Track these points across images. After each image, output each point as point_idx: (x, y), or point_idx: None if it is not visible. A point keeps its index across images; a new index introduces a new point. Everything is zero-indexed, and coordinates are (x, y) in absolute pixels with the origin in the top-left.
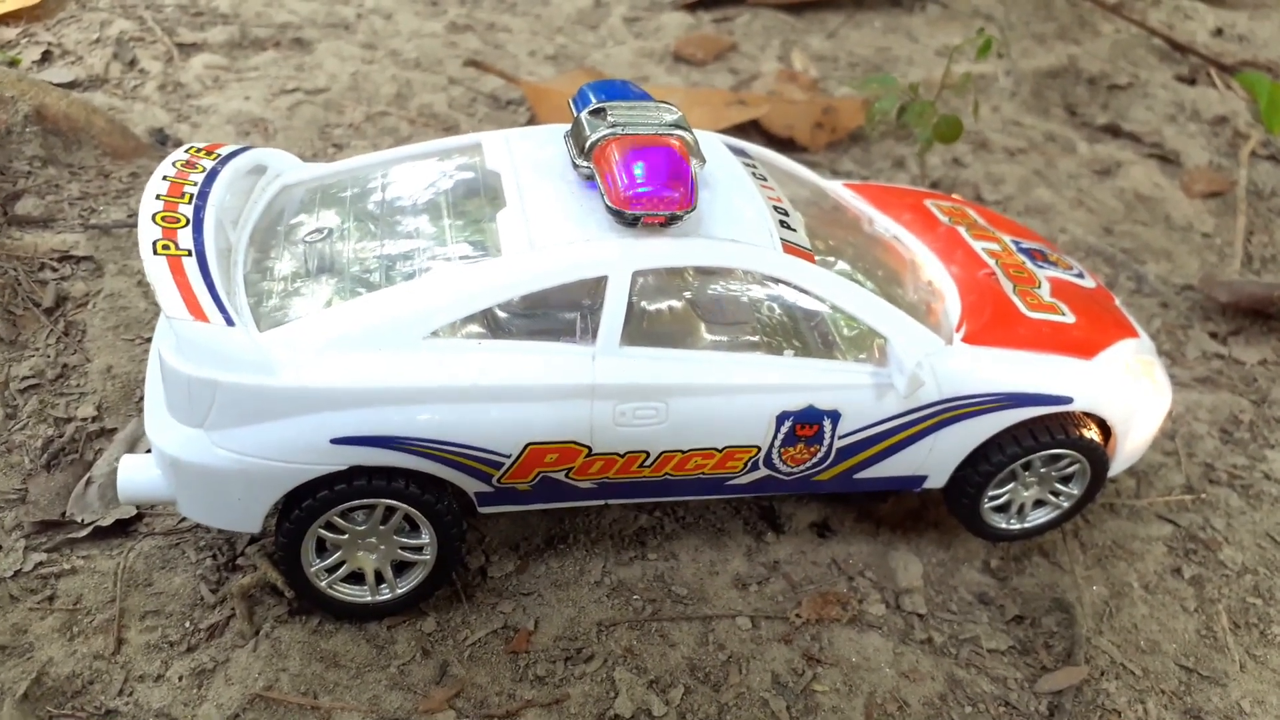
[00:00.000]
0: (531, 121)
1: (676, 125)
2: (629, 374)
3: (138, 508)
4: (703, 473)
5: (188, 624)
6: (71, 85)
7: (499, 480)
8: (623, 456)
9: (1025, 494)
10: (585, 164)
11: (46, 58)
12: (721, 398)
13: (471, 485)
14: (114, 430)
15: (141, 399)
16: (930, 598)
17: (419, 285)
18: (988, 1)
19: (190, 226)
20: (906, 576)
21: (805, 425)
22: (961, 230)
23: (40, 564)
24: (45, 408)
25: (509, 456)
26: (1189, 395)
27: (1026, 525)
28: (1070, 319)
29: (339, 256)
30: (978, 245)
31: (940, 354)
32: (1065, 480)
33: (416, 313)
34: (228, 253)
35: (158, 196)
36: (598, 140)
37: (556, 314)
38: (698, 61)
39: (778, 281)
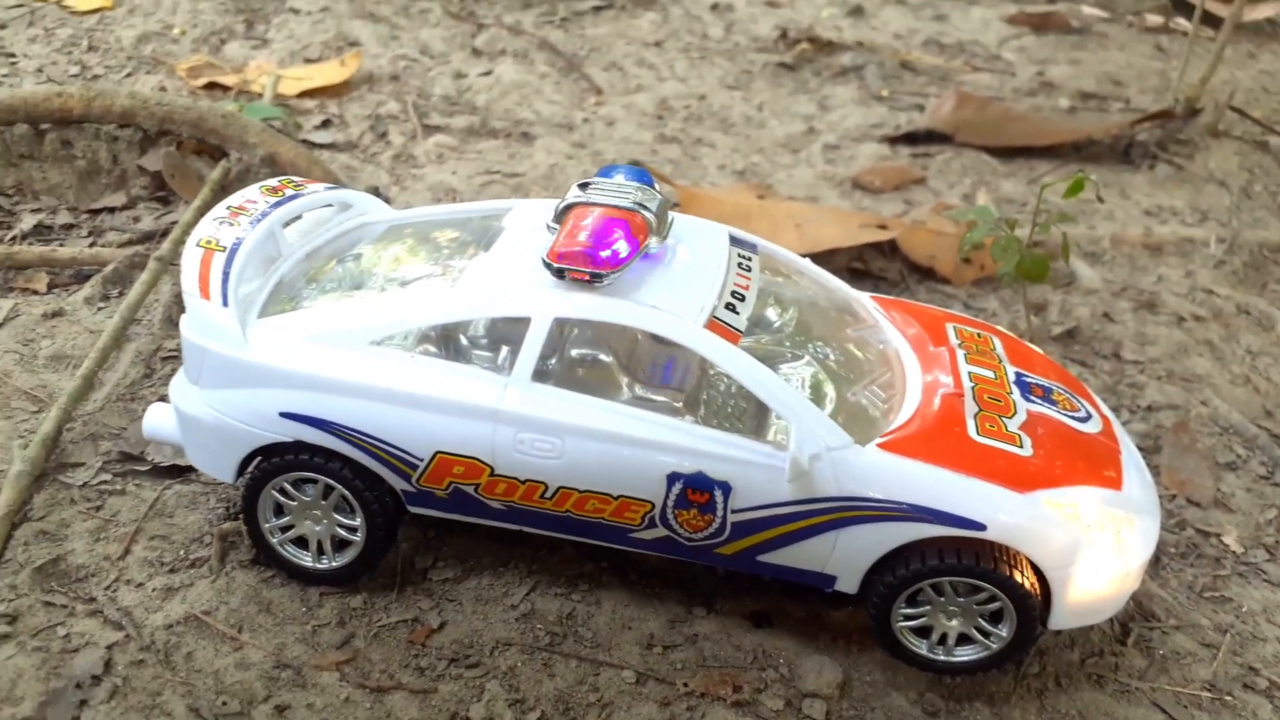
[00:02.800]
0: None
1: (643, 205)
2: (532, 406)
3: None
4: (603, 518)
5: (182, 552)
6: (329, 145)
7: (417, 481)
8: (523, 483)
9: (948, 623)
10: (555, 225)
11: (325, 124)
12: (614, 446)
13: (397, 482)
14: None
15: None
16: (837, 709)
17: (374, 300)
18: (1230, 167)
19: (239, 231)
20: (818, 681)
21: (696, 491)
22: (960, 353)
23: (104, 482)
24: (173, 375)
25: (421, 460)
26: (1273, 595)
27: (953, 660)
28: (1026, 452)
29: (360, 276)
30: (967, 368)
31: (846, 450)
32: (994, 619)
33: (367, 322)
34: (275, 260)
35: (227, 207)
36: (567, 205)
37: (495, 344)
38: (874, 190)
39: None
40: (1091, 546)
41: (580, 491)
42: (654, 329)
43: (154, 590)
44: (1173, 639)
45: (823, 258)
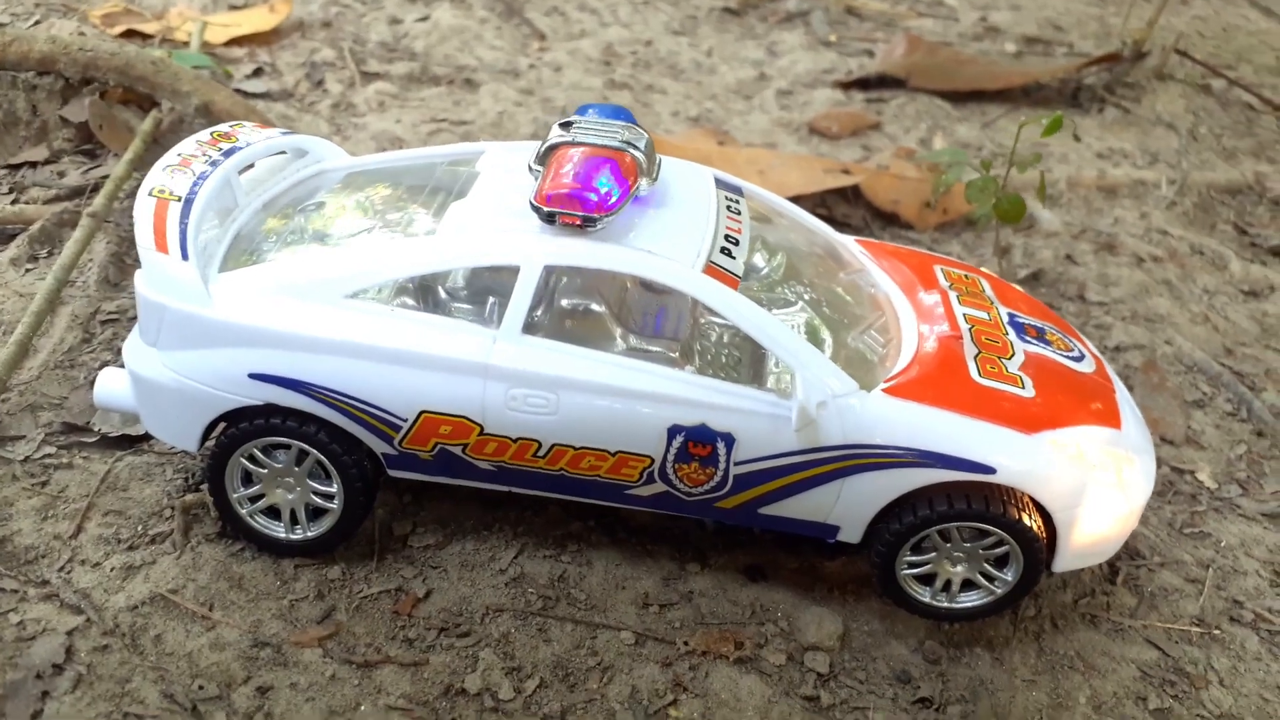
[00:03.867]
0: None
1: (631, 144)
2: (524, 360)
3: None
4: (599, 475)
5: (139, 528)
6: (263, 95)
7: (400, 444)
8: (514, 442)
9: (953, 569)
10: (538, 167)
11: (257, 73)
12: (612, 400)
13: (377, 445)
14: None
15: None
16: (839, 661)
17: (348, 251)
18: (1177, 110)
19: (193, 179)
20: (819, 633)
21: (698, 444)
22: (953, 295)
23: (47, 455)
24: (115, 339)
25: (405, 420)
26: (1249, 529)
27: (955, 605)
28: (1028, 393)
29: (325, 226)
30: (961, 310)
31: (852, 397)
32: (999, 564)
33: (341, 274)
34: (232, 210)
35: (178, 154)
36: (551, 146)
37: (477, 295)
38: (831, 135)
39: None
40: (1096, 487)
41: (576, 448)
42: (652, 275)
43: (113, 570)
44: (1159, 576)
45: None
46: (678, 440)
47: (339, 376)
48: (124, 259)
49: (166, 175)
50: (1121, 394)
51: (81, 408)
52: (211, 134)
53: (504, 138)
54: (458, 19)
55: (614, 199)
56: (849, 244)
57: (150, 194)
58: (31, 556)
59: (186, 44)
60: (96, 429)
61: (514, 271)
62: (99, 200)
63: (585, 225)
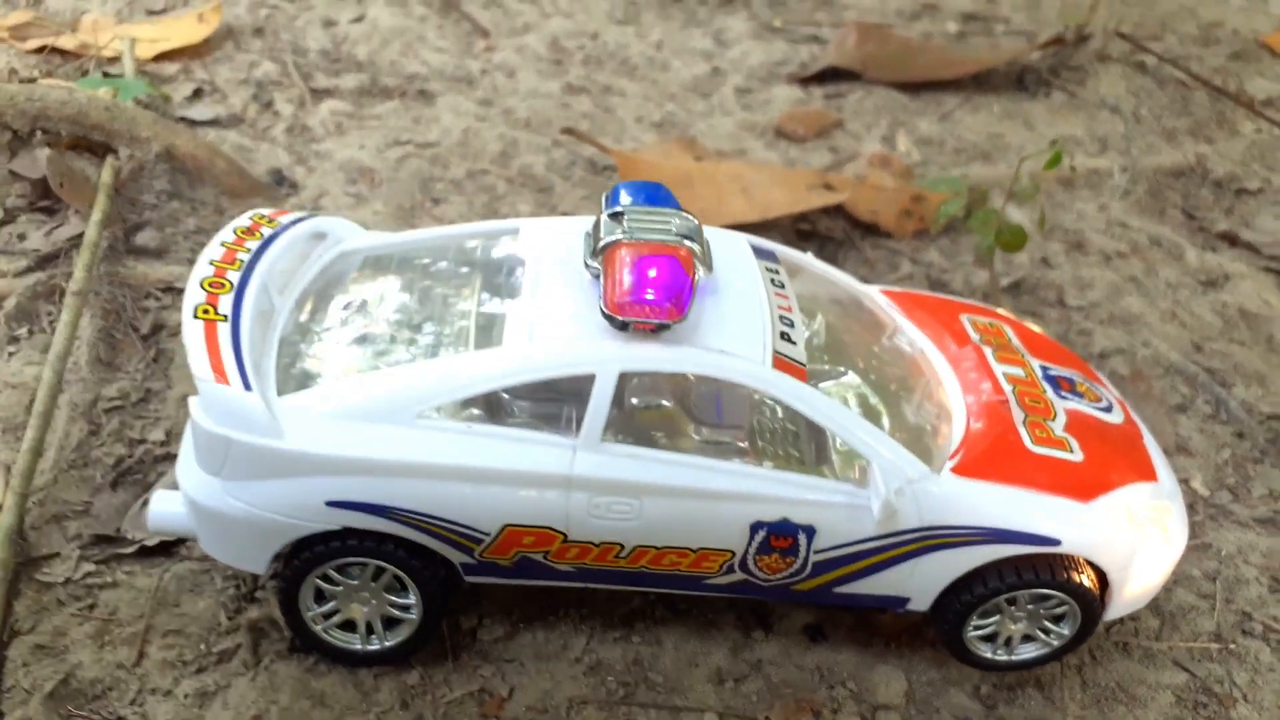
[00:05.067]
0: None
1: (687, 235)
2: (606, 469)
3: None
4: (679, 569)
5: (202, 646)
6: (212, 122)
7: (480, 555)
8: (597, 546)
9: (1013, 628)
10: (595, 264)
11: (197, 94)
12: (695, 501)
13: (455, 556)
14: (176, 456)
15: None
16: (907, 714)
17: (416, 368)
18: (1119, 91)
19: (233, 293)
20: (887, 693)
21: (780, 537)
22: (988, 351)
23: (89, 574)
24: (124, 429)
25: (488, 535)
26: (1244, 536)
27: (1014, 658)
28: (1078, 457)
29: (369, 330)
30: (1000, 369)
31: (925, 481)
32: (1055, 619)
33: (411, 393)
34: (270, 315)
35: (210, 262)
36: (608, 243)
37: (550, 402)
38: (799, 138)
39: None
40: (1146, 544)
41: (658, 548)
42: (728, 376)
43: (187, 697)
44: (1175, 594)
45: (771, 221)
46: (760, 535)
47: (420, 498)
48: (112, 334)
49: (206, 290)
50: (1148, 439)
51: (108, 514)
52: (235, 231)
53: (472, 158)
54: (395, 18)
55: (683, 300)
56: (875, 296)
57: (195, 316)
58: (98, 691)
59: (114, 60)
60: (130, 537)
61: (588, 378)
62: (78, 274)
63: (658, 330)
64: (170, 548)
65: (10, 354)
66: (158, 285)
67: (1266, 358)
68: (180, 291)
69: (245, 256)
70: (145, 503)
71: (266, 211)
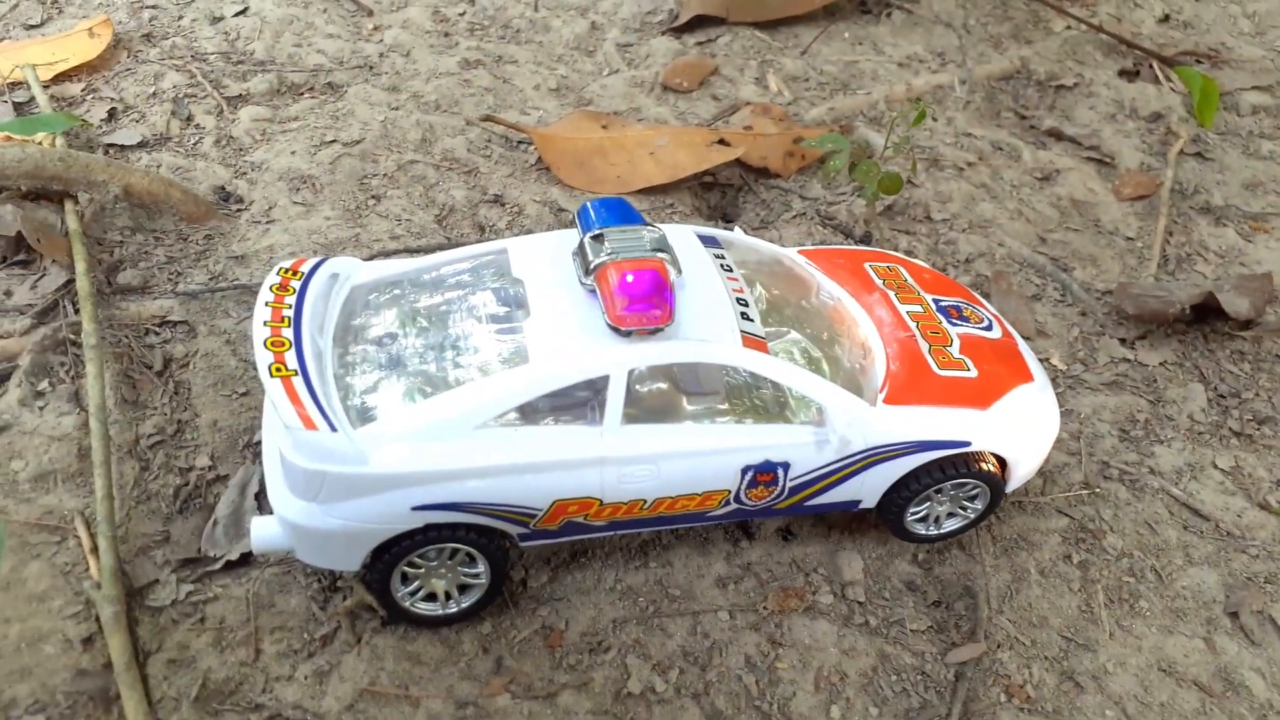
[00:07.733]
0: (540, 162)
1: (659, 247)
2: (629, 446)
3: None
4: (688, 510)
5: (305, 635)
6: (141, 145)
7: (534, 525)
8: (626, 504)
9: (940, 509)
10: (589, 282)
11: (112, 115)
12: (700, 459)
13: (514, 529)
14: (227, 476)
15: (245, 447)
16: (869, 587)
17: (468, 390)
18: (948, 6)
19: (293, 349)
20: (850, 571)
21: (764, 473)
22: (891, 294)
23: (190, 593)
24: (170, 460)
25: (540, 510)
26: (1096, 399)
27: (942, 532)
28: (973, 374)
29: (402, 357)
30: (904, 309)
31: (866, 413)
32: (971, 499)
33: (467, 411)
34: (320, 356)
35: (265, 323)
36: (599, 265)
37: (574, 402)
38: (683, 90)
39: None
40: (1032, 432)
41: (673, 498)
42: (711, 360)
43: (307, 679)
44: (1050, 456)
45: (680, 180)
46: (749, 474)
47: (486, 491)
48: (129, 375)
49: (272, 351)
50: (1022, 346)
51: (185, 538)
52: (271, 290)
53: (397, 149)
54: (281, 7)
55: (671, 306)
56: (795, 257)
57: (272, 375)
58: (232, 687)
59: (17, 86)
60: (212, 555)
61: (605, 379)
62: (87, 326)
63: (654, 332)
64: (248, 558)
65: (40, 409)
66: (153, 321)
67: (1096, 240)
68: (176, 324)
69: (289, 313)
70: (215, 522)
71: (288, 264)
